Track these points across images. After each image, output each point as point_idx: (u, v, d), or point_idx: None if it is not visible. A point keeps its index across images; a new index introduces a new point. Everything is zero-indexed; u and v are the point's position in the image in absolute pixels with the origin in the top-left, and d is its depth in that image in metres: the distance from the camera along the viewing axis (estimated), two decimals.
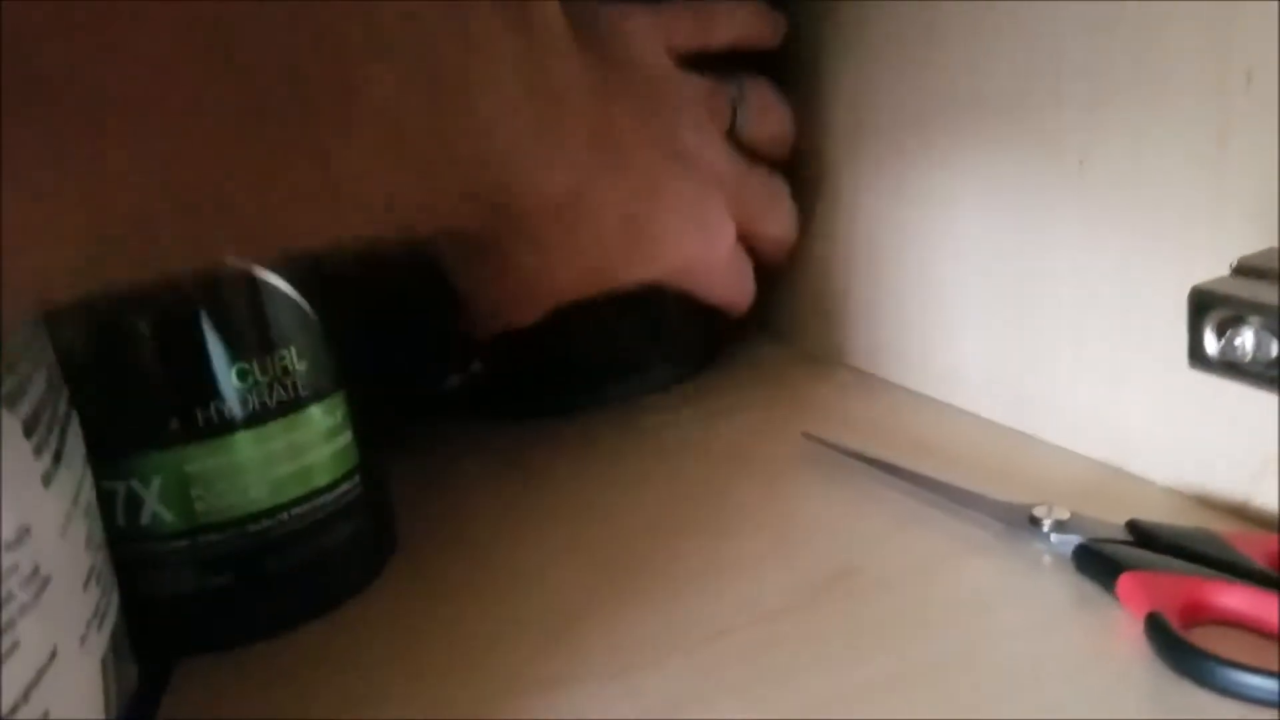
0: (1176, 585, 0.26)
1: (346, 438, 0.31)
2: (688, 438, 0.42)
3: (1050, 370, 0.36)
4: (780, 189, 0.44)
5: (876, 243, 0.43)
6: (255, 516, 0.29)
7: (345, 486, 0.31)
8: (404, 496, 0.36)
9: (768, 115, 0.43)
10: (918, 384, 0.43)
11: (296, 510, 0.30)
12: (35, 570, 0.20)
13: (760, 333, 0.53)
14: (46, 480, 0.21)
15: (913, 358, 0.43)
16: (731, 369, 0.49)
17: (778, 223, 0.45)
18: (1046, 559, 0.30)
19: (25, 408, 0.20)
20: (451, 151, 0.25)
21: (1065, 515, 0.30)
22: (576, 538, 0.35)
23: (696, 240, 0.39)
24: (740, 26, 0.42)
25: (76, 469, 0.23)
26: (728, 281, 0.44)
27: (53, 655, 0.20)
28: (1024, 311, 0.37)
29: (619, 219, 0.35)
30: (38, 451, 0.20)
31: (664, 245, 0.38)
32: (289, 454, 0.30)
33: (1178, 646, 0.24)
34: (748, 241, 0.43)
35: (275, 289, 0.29)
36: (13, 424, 0.20)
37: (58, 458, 0.22)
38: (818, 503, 0.35)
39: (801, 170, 0.45)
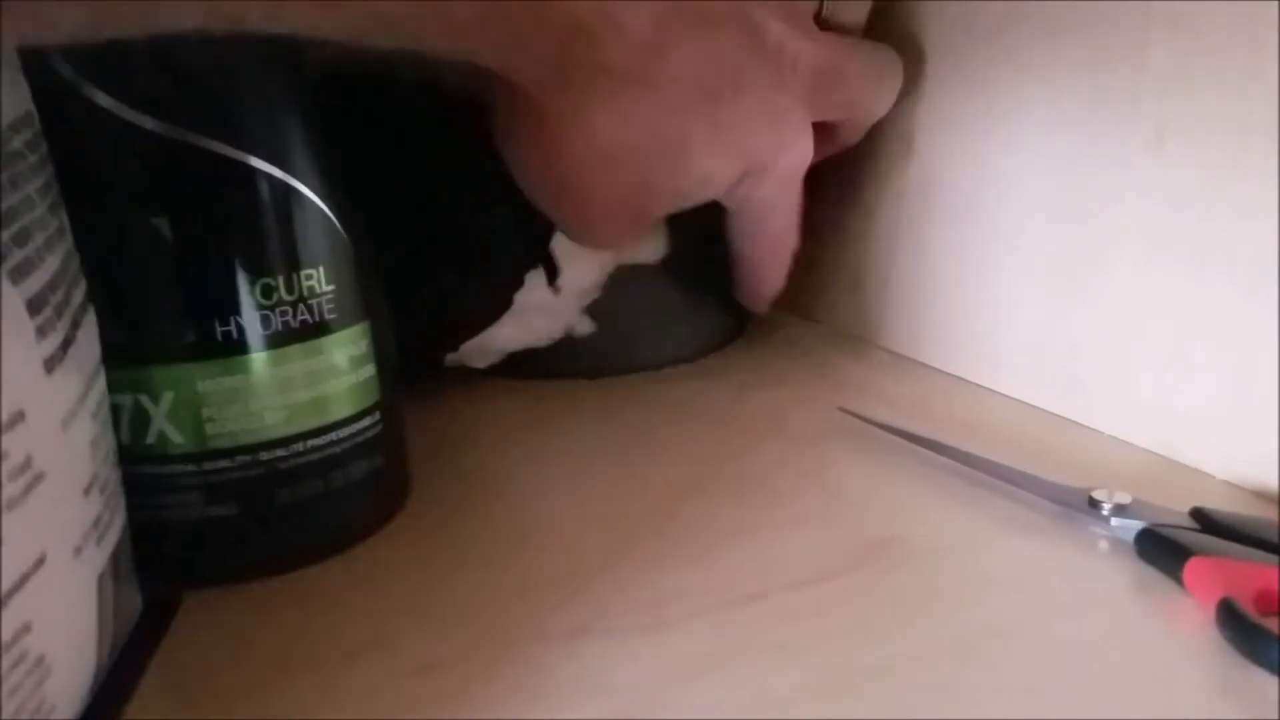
0: (1249, 572, 0.24)
1: (369, 371, 0.30)
2: (715, 407, 0.40)
3: (1104, 356, 0.34)
4: (892, 60, 0.39)
5: (921, 219, 0.41)
6: (268, 445, 0.27)
7: (364, 422, 0.29)
8: (421, 449, 0.34)
9: (852, 4, 0.39)
10: (959, 368, 0.41)
11: (311, 442, 0.28)
12: (27, 462, 0.18)
13: (789, 311, 0.51)
14: (49, 366, 0.19)
15: (954, 340, 0.41)
16: (759, 345, 0.47)
17: (876, 108, 0.40)
18: (1103, 543, 0.28)
19: (32, 284, 0.19)
20: None
21: (1126, 500, 0.28)
22: (598, 496, 0.33)
23: (769, 137, 0.34)
24: None
25: (87, 367, 0.21)
26: (786, 207, 0.38)
27: (40, 561, 0.18)
28: (1079, 295, 0.35)
29: (702, 91, 0.31)
30: (41, 333, 0.19)
31: (741, 132, 0.33)
32: (307, 381, 0.28)
33: (1254, 633, 0.22)
34: (851, 121, 0.39)
35: (310, 203, 0.27)
36: (14, 299, 0.18)
37: (65, 346, 0.20)
38: (855, 474, 0.34)
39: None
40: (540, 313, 0.41)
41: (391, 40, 0.25)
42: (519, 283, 0.40)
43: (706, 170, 0.33)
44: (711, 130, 0.32)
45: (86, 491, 0.21)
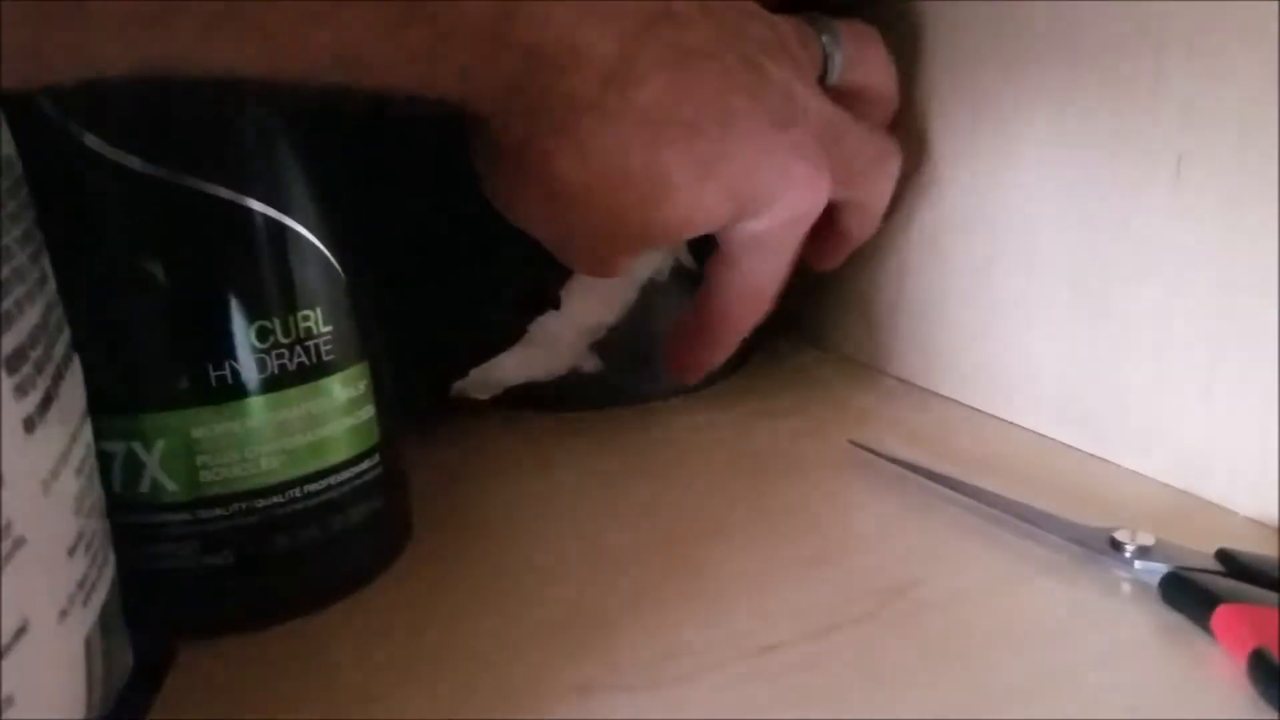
0: None
1: (368, 413, 0.29)
2: (723, 440, 0.39)
3: (1123, 387, 0.33)
4: (889, 149, 0.37)
5: (933, 243, 0.41)
6: (264, 491, 0.27)
7: (364, 465, 0.29)
8: (421, 487, 0.33)
9: (867, 66, 0.37)
10: (971, 398, 0.40)
11: (309, 487, 0.27)
12: (7, 528, 0.17)
13: (797, 338, 0.50)
14: (29, 426, 0.18)
15: (967, 370, 0.40)
16: (766, 374, 0.46)
17: (877, 191, 0.38)
18: (1126, 586, 0.27)
19: (10, 339, 0.18)
20: None
21: (1150, 541, 0.27)
22: (604, 537, 0.32)
23: (770, 174, 0.32)
24: None
25: (71, 421, 0.21)
26: (775, 253, 0.35)
27: (21, 630, 0.18)
28: (1097, 324, 0.34)
29: (678, 125, 0.29)
30: (20, 392, 0.18)
31: (730, 168, 0.31)
32: (305, 425, 0.27)
33: None
34: (835, 208, 0.37)
35: (306, 243, 0.26)
36: None
37: (46, 403, 0.19)
38: (868, 512, 0.33)
39: None
40: (546, 348, 0.40)
41: (345, 76, 0.24)
42: (539, 310, 0.39)
43: (691, 204, 0.31)
44: (692, 165, 0.30)
45: (71, 552, 0.20)
